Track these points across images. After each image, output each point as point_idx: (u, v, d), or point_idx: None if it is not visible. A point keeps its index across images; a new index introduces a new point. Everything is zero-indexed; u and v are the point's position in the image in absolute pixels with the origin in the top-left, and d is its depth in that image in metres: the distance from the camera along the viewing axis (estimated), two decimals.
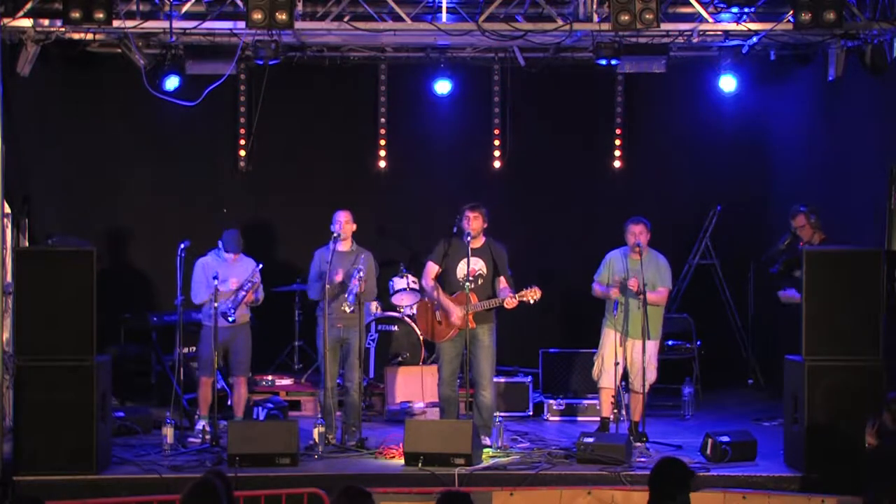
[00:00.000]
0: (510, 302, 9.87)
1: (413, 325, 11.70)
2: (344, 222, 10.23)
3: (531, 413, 11.48)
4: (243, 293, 10.27)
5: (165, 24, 9.61)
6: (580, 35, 10.13)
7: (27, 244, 10.80)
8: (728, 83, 11.63)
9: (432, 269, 10.13)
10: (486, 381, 10.02)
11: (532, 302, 9.89)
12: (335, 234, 10.18)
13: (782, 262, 10.16)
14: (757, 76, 12.03)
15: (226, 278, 10.27)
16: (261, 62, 10.39)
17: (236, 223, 11.15)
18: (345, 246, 10.28)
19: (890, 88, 10.00)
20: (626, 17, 9.23)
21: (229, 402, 10.73)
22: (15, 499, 5.98)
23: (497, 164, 13.01)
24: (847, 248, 9.80)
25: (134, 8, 9.63)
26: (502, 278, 10.01)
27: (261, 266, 10.41)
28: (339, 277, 10.06)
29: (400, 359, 11.73)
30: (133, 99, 11.46)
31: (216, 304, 10.06)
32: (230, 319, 10.18)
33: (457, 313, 9.93)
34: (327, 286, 10.00)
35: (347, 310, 10.01)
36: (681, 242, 12.63)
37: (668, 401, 11.51)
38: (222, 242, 10.47)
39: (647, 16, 9.22)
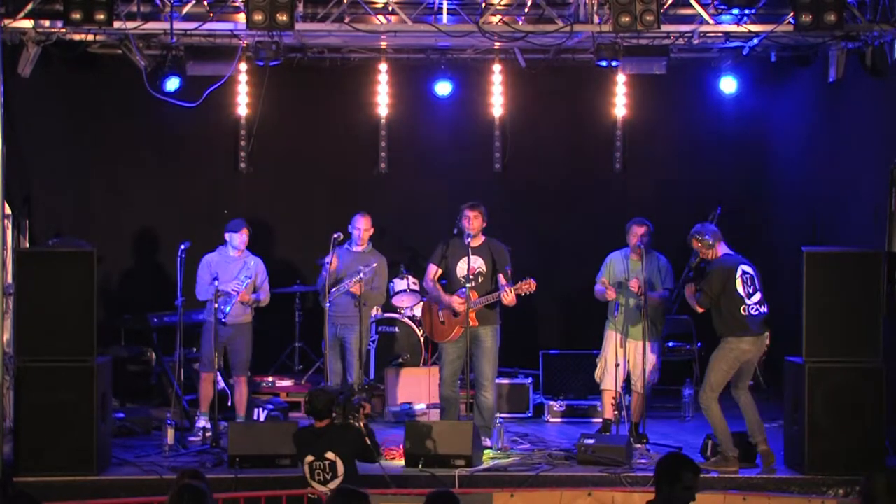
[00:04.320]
0: (507, 296, 9.88)
1: (413, 326, 11.70)
2: (363, 229, 10.51)
3: (531, 414, 11.48)
4: (235, 292, 10.25)
5: (166, 26, 9.61)
6: (581, 36, 10.13)
7: (27, 245, 10.79)
8: (728, 84, 11.63)
9: (433, 270, 10.17)
10: (488, 383, 10.03)
11: (527, 293, 9.89)
12: (356, 240, 10.50)
13: (683, 283, 10.11)
14: (757, 77, 12.03)
15: (225, 277, 10.27)
16: (261, 63, 10.39)
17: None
18: (360, 248, 10.52)
19: (890, 90, 10.00)
20: (627, 19, 9.23)
21: (230, 403, 10.73)
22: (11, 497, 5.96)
23: (497, 166, 13.00)
24: (847, 249, 9.81)
25: (135, 9, 9.63)
26: (502, 276, 10.03)
27: (260, 262, 10.47)
28: (332, 265, 10.21)
29: (400, 360, 11.72)
30: (134, 100, 11.46)
31: (216, 305, 10.09)
32: (221, 318, 10.16)
33: (457, 301, 9.93)
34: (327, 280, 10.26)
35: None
36: (681, 243, 12.60)
37: (668, 402, 11.51)
38: (227, 230, 10.49)
39: (648, 17, 9.22)
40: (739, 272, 9.44)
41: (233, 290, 10.21)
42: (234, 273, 10.33)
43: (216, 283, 10.12)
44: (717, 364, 9.42)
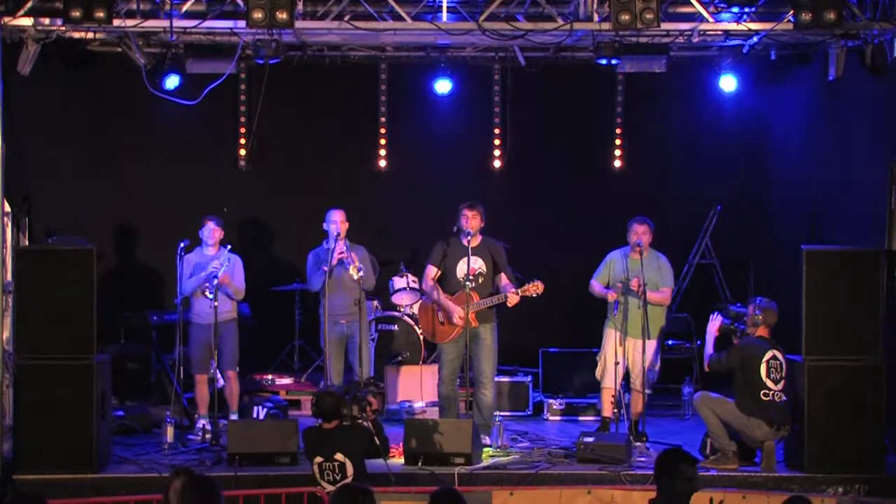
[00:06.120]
0: (512, 298, 9.86)
1: (413, 324, 11.71)
2: (340, 222, 10.34)
3: (531, 412, 11.49)
4: (215, 273, 10.22)
5: (166, 23, 9.60)
6: (580, 35, 10.12)
7: (27, 243, 10.79)
8: (728, 83, 11.62)
9: (431, 271, 10.14)
10: (487, 381, 10.02)
11: (535, 296, 9.88)
12: (335, 234, 10.31)
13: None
14: (757, 76, 12.03)
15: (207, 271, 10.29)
16: (261, 61, 10.36)
17: (235, 222, 11.16)
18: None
19: (890, 88, 10.00)
20: (627, 17, 9.23)
21: None
22: (16, 496, 5.96)
23: (497, 164, 13.01)
24: (847, 247, 9.81)
25: (134, 7, 9.62)
26: (503, 275, 10.02)
27: (229, 247, 10.40)
28: (336, 258, 10.21)
29: (400, 358, 11.73)
30: (133, 98, 11.46)
31: (216, 304, 10.08)
32: (209, 295, 10.14)
33: (458, 313, 9.92)
34: (328, 281, 10.19)
35: (354, 275, 10.13)
36: (681, 242, 12.62)
37: (667, 400, 11.52)
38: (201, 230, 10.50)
39: (648, 15, 9.21)
40: (768, 356, 9.29)
41: (214, 267, 10.20)
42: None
43: (215, 280, 10.10)
44: (731, 411, 9.29)
